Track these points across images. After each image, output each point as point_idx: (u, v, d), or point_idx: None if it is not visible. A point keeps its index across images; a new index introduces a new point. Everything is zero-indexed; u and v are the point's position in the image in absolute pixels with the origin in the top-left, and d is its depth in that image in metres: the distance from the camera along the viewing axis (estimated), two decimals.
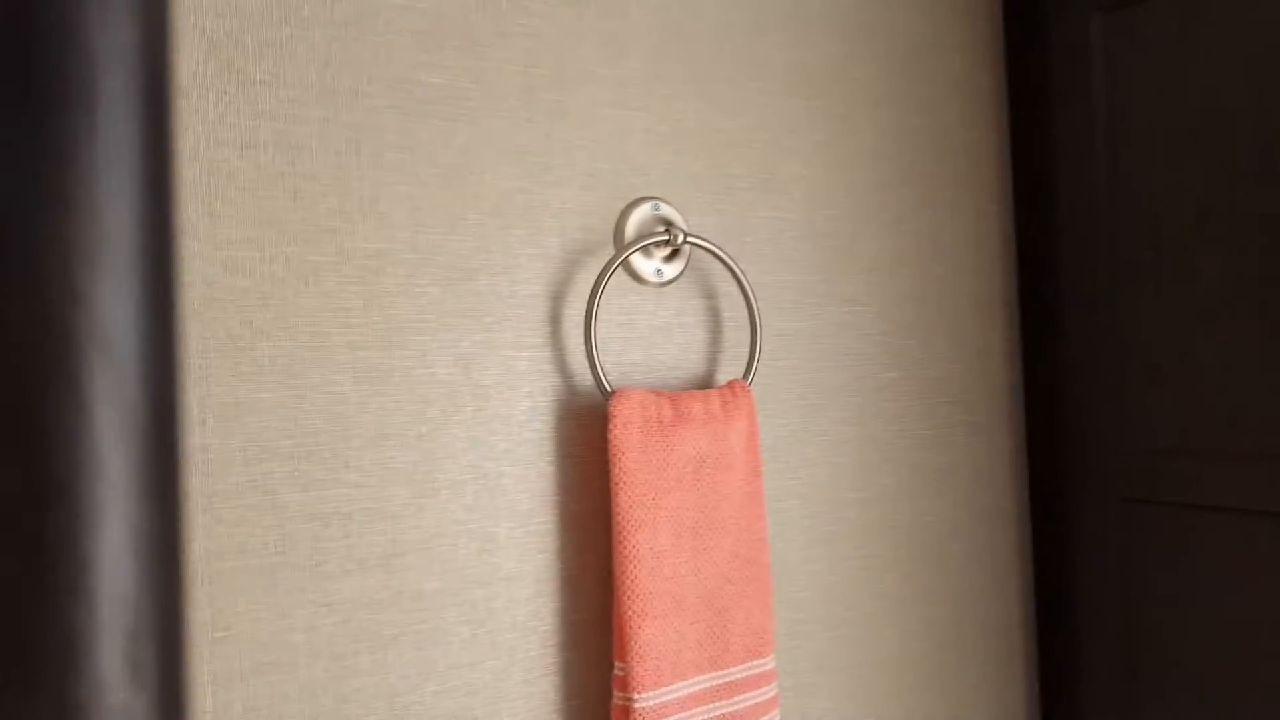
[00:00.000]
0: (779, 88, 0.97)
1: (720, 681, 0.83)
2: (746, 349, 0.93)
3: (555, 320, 0.82)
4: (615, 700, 0.79)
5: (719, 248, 0.87)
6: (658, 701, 0.78)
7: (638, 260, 0.87)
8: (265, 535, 0.69)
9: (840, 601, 0.98)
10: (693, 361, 0.90)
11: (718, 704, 0.82)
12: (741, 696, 0.84)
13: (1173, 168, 1.02)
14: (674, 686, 0.80)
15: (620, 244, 0.86)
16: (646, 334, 0.87)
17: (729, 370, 0.92)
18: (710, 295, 0.91)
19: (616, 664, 0.79)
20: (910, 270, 1.05)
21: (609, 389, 0.81)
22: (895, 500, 1.03)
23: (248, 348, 0.69)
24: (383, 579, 0.73)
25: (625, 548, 0.78)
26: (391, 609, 0.73)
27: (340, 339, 0.73)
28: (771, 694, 0.86)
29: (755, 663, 0.85)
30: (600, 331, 0.85)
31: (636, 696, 0.77)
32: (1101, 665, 1.09)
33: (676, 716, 0.80)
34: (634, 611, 0.78)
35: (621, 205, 0.87)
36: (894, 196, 1.04)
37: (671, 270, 0.89)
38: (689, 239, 0.86)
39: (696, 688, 0.81)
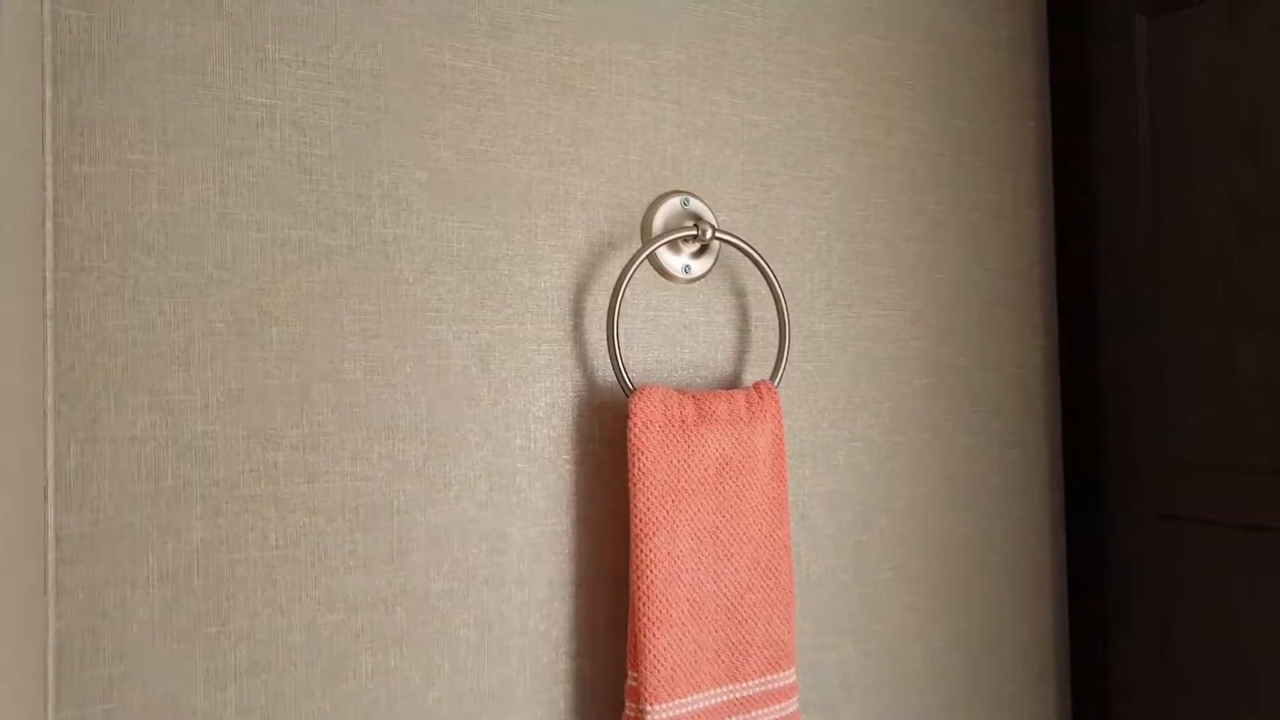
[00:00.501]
0: (817, 84, 0.89)
1: (738, 695, 0.76)
2: (774, 350, 0.86)
3: (577, 314, 0.76)
4: (627, 712, 0.72)
5: (748, 244, 0.80)
6: (672, 714, 0.71)
7: (665, 255, 0.80)
8: (266, 528, 0.63)
9: (868, 614, 0.90)
10: (719, 361, 0.83)
11: (735, 718, 0.75)
12: (760, 711, 0.77)
13: (1218, 175, 0.94)
14: (689, 699, 0.72)
15: (647, 238, 0.79)
16: (672, 331, 0.80)
17: (756, 371, 0.85)
18: (739, 293, 0.84)
19: (630, 673, 0.72)
20: (946, 275, 0.97)
21: (631, 386, 0.74)
22: (926, 511, 0.95)
23: (255, 332, 0.63)
24: (387, 577, 0.66)
25: (643, 551, 0.71)
26: (396, 609, 0.67)
27: (352, 326, 0.67)
28: (792, 709, 0.78)
29: (775, 676, 0.78)
30: (624, 327, 0.78)
31: (649, 708, 0.70)
32: (1135, 686, 1.00)
33: None
34: (649, 619, 0.71)
35: (650, 198, 0.80)
36: (932, 199, 0.96)
37: (700, 266, 0.82)
38: (718, 235, 0.79)
39: (712, 701, 0.74)
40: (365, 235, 0.67)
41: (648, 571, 0.71)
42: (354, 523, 0.65)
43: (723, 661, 0.74)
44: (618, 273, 0.77)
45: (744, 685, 0.75)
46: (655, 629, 0.71)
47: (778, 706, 0.77)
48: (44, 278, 0.57)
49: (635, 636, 0.71)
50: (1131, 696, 1.00)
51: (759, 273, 0.85)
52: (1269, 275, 0.90)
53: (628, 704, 0.72)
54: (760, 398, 0.78)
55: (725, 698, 0.75)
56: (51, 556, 0.57)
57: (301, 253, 0.65)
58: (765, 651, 0.77)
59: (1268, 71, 0.90)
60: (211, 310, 0.62)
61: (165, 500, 0.60)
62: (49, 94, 0.59)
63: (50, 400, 0.57)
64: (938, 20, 0.98)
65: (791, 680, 0.78)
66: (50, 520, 0.57)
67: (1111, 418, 1.02)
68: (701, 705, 0.73)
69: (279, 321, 0.64)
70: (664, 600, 0.71)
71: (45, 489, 0.57)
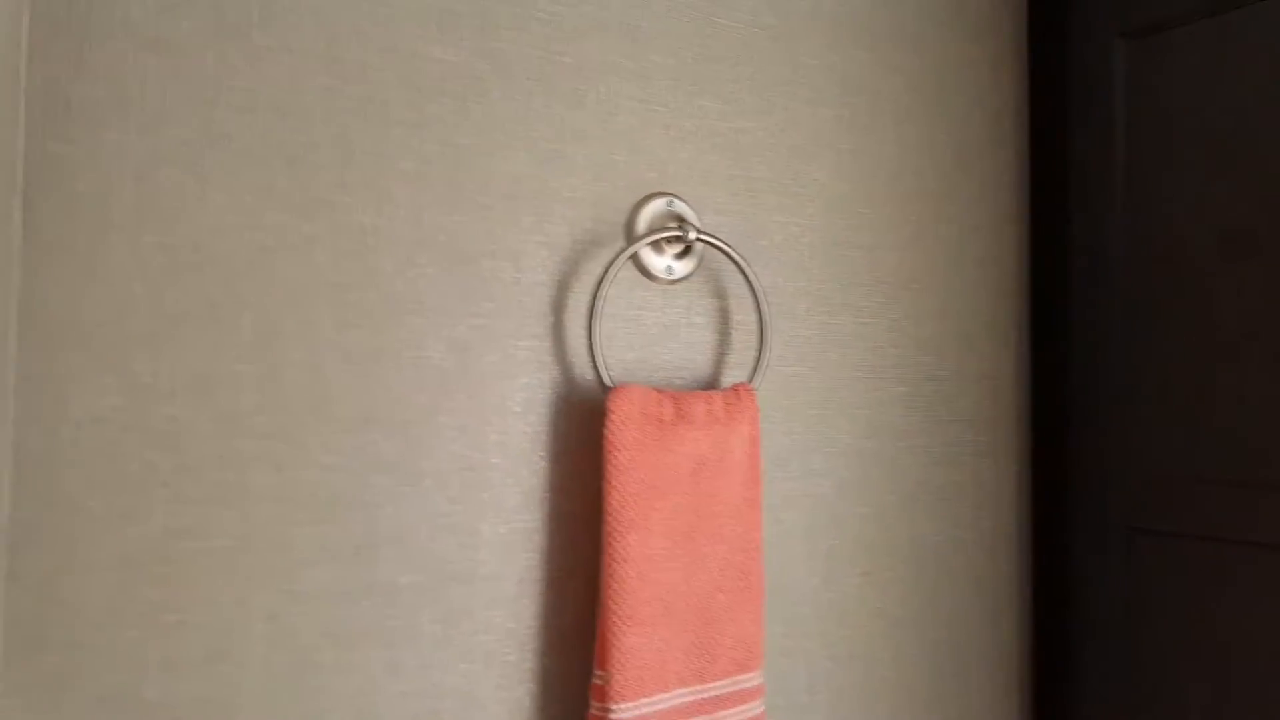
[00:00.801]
0: (805, 93, 0.87)
1: (705, 695, 0.73)
2: (754, 353, 0.83)
3: (558, 311, 0.73)
4: (592, 710, 0.69)
5: (730, 246, 0.78)
6: (637, 713, 0.69)
7: (649, 256, 0.78)
8: (231, 516, 0.60)
9: (836, 619, 0.88)
10: (699, 363, 0.80)
11: (700, 718, 0.73)
12: (726, 712, 0.74)
13: (1192, 195, 0.92)
14: (655, 698, 0.70)
15: (631, 237, 0.77)
16: (653, 332, 0.78)
17: (735, 375, 0.82)
18: (721, 296, 0.82)
19: (596, 672, 0.69)
20: (926, 286, 0.95)
21: (610, 384, 0.71)
22: (898, 518, 0.92)
23: (228, 318, 0.61)
24: (354, 571, 0.64)
25: (616, 549, 0.69)
26: (361, 603, 0.64)
27: (328, 315, 0.64)
28: (758, 710, 0.76)
29: (742, 677, 0.75)
30: (605, 326, 0.75)
31: (615, 707, 0.68)
32: (1100, 699, 0.98)
33: None
34: (620, 616, 0.68)
35: (635, 199, 0.77)
36: (914, 211, 0.94)
37: (683, 268, 0.79)
38: (701, 236, 0.76)
39: (679, 700, 0.72)
40: (345, 224, 0.65)
41: (620, 569, 0.69)
42: (322, 514, 0.63)
43: (691, 661, 0.72)
44: (600, 271, 0.75)
45: (711, 686, 0.73)
46: (625, 627, 0.68)
47: (744, 708, 0.75)
48: (11, 256, 0.55)
49: (604, 634, 0.69)
50: (1096, 710, 0.98)
51: (740, 276, 0.82)
52: (1241, 293, 0.88)
53: (593, 703, 0.69)
54: (738, 399, 0.76)
55: (692, 698, 0.72)
56: (3, 541, 0.54)
57: (279, 239, 0.62)
58: (733, 652, 0.74)
59: (1246, 94, 0.88)
60: (184, 294, 0.59)
61: (128, 485, 0.57)
62: (24, 71, 0.56)
63: (13, 380, 0.55)
64: (924, 36, 0.96)
65: (758, 682, 0.76)
66: (5, 502, 0.54)
67: (1082, 430, 1.01)
68: (668, 705, 0.70)
69: (252, 308, 0.61)
70: (635, 598, 0.69)
71: (2, 471, 0.54)
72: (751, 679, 0.75)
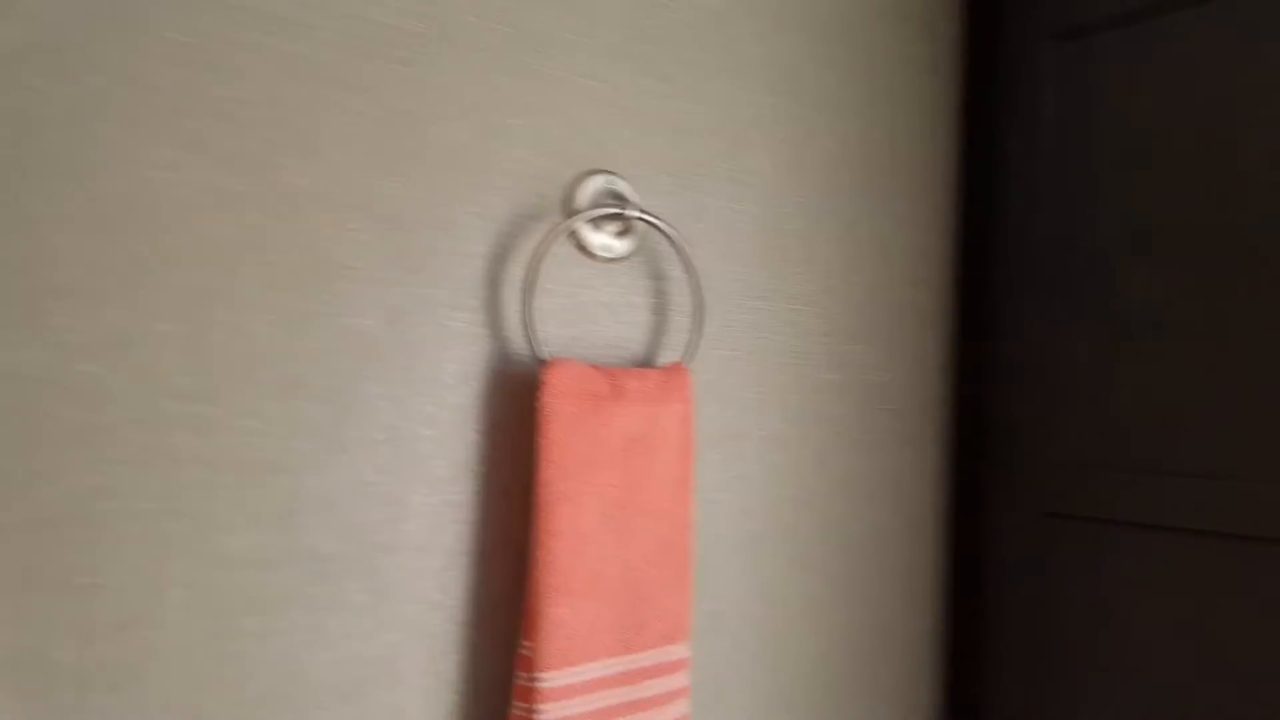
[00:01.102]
0: (748, 80, 0.87)
1: (631, 666, 0.73)
2: (689, 333, 0.83)
3: (495, 284, 0.72)
4: (518, 681, 0.69)
5: (669, 226, 0.78)
6: (564, 683, 0.68)
7: (588, 233, 0.77)
8: (150, 478, 0.58)
9: (762, 598, 0.88)
10: (635, 342, 0.80)
11: (625, 688, 0.73)
12: (651, 682, 0.74)
13: (1109, 193, 0.95)
14: (582, 668, 0.70)
15: (570, 213, 0.76)
16: (590, 309, 0.77)
17: (671, 355, 0.82)
18: (658, 277, 0.81)
19: (524, 643, 0.69)
20: (858, 276, 0.96)
21: (544, 358, 0.71)
22: (825, 503, 0.93)
23: (153, 274, 0.58)
24: (276, 537, 0.62)
25: (548, 521, 0.68)
26: (284, 570, 0.62)
27: (256, 276, 0.62)
28: (682, 682, 0.76)
29: (669, 649, 0.76)
30: (543, 302, 0.75)
31: (541, 676, 0.67)
32: (1011, 679, 1.01)
33: (581, 699, 0.70)
34: (549, 588, 0.68)
35: (576, 175, 0.76)
36: (848, 203, 0.95)
37: (621, 247, 0.79)
38: (639, 215, 0.76)
39: (606, 671, 0.71)
40: (278, 185, 0.63)
41: (551, 541, 0.68)
42: (245, 479, 0.61)
43: (619, 633, 0.72)
44: (537, 245, 0.74)
45: (638, 657, 0.73)
46: (554, 599, 0.68)
47: (669, 679, 0.75)
48: None
49: (533, 606, 0.68)
50: (1007, 691, 1.01)
51: (678, 257, 0.82)
52: (1151, 287, 0.91)
53: (519, 673, 0.69)
54: (673, 378, 0.76)
55: (619, 668, 0.72)
56: None
57: (208, 197, 0.60)
58: (661, 625, 0.74)
59: (1164, 97, 0.91)
60: (107, 248, 0.57)
61: (44, 444, 0.55)
62: None
63: None
64: (863, 31, 0.97)
65: (685, 655, 0.76)
66: None
67: (1002, 419, 1.03)
68: (594, 675, 0.70)
69: (179, 265, 0.59)
70: (565, 571, 0.68)
71: None
72: (677, 651, 0.76)
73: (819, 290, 0.93)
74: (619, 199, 0.77)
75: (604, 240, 0.78)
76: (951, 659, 1.07)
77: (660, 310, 0.81)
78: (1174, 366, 0.89)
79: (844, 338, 0.95)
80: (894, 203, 0.99)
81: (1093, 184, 0.97)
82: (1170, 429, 0.89)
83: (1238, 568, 0.84)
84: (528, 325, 0.70)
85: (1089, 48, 0.97)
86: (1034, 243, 1.01)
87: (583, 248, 0.77)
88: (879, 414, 0.98)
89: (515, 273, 0.73)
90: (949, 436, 1.06)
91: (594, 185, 0.77)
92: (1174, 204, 0.90)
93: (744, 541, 0.87)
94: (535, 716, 0.67)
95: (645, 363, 0.81)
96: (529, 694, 0.68)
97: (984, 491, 1.05)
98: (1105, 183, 0.96)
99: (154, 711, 0.58)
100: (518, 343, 0.73)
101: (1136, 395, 0.92)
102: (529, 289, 0.70)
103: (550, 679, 0.67)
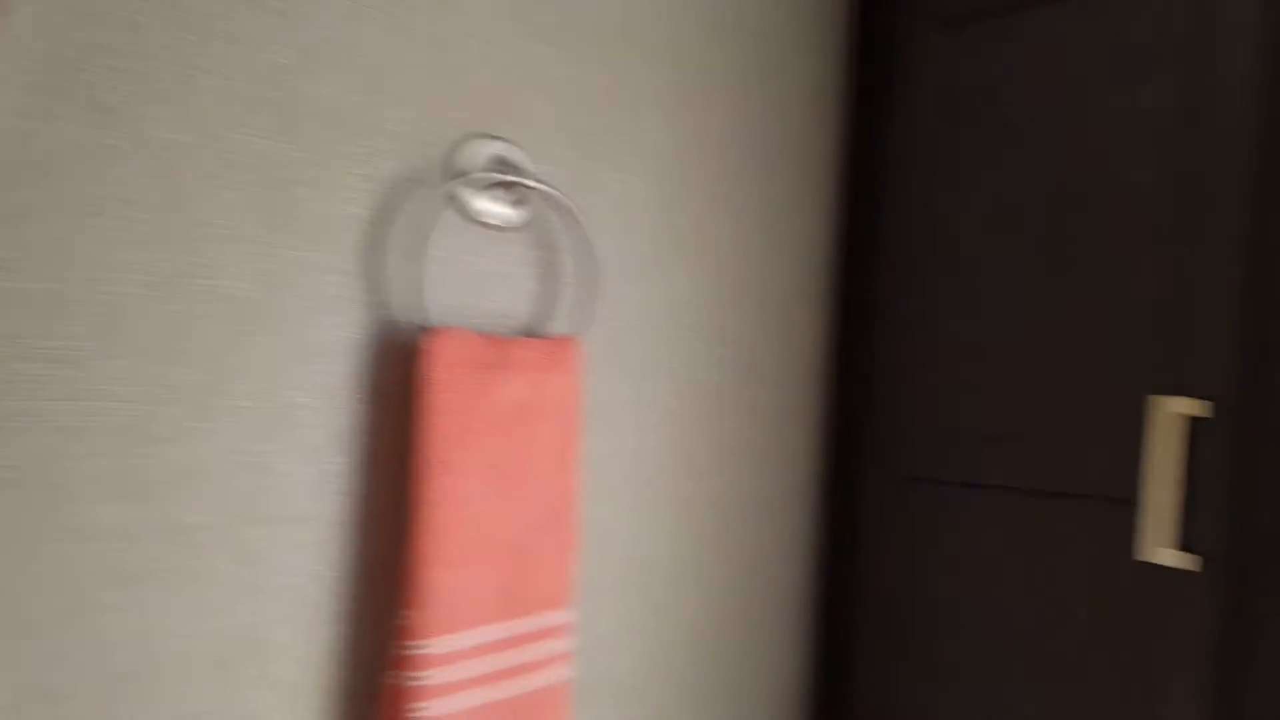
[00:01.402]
0: (644, 55, 0.87)
1: (513, 632, 0.74)
2: (579, 305, 0.83)
3: (377, 248, 0.70)
4: (400, 649, 0.68)
5: (562, 196, 0.77)
6: (444, 650, 0.68)
7: (477, 200, 0.75)
8: (9, 445, 0.54)
9: (645, 565, 0.90)
10: (523, 312, 0.79)
11: (507, 653, 0.73)
12: (533, 646, 0.75)
13: (979, 178, 0.99)
14: (462, 634, 0.69)
15: (459, 179, 0.74)
16: (478, 277, 0.76)
17: (560, 327, 0.82)
18: (549, 248, 0.81)
19: (404, 612, 0.68)
20: (746, 255, 0.98)
21: (427, 325, 0.69)
22: (708, 473, 0.95)
23: (11, 229, 0.54)
24: (141, 507, 0.59)
25: (429, 490, 0.68)
26: (150, 541, 0.60)
27: (125, 235, 0.58)
28: (565, 647, 0.77)
29: (551, 614, 0.76)
30: (429, 269, 0.73)
31: (420, 644, 0.67)
32: (879, 637, 1.05)
33: (461, 664, 0.70)
34: (429, 556, 0.67)
35: (465, 139, 0.75)
36: (739, 184, 0.97)
37: (513, 216, 0.78)
38: (534, 184, 0.75)
39: (486, 637, 0.72)
40: (145, 138, 0.59)
41: (431, 510, 0.67)
42: (111, 446, 0.58)
43: (501, 599, 0.72)
44: (422, 210, 0.72)
45: (520, 622, 0.73)
46: (435, 566, 0.67)
47: (551, 643, 0.76)
48: None
49: (413, 573, 0.67)
50: (875, 649, 1.05)
51: (570, 229, 0.81)
52: (1010, 266, 0.96)
53: (398, 642, 0.68)
54: (561, 349, 0.76)
55: (500, 634, 0.72)
56: None
57: (72, 149, 0.56)
58: (544, 591, 0.75)
59: (1032, 85, 0.95)
60: None
61: None
62: None
63: None
64: (759, 18, 0.97)
65: (567, 620, 0.77)
66: None
67: (874, 392, 1.07)
68: (475, 642, 0.70)
69: (41, 220, 0.55)
70: (446, 538, 0.68)
71: None
72: (560, 616, 0.76)
73: (710, 268, 0.94)
74: (511, 167, 0.76)
75: (494, 208, 0.76)
76: (826, 618, 1.11)
77: (550, 281, 0.81)
78: (1027, 339, 0.94)
79: (732, 314, 0.97)
80: (782, 184, 1.01)
81: (966, 171, 1.00)
82: (1022, 396, 0.94)
83: (1075, 525, 0.89)
84: (410, 291, 0.69)
85: (968, 37, 1.01)
86: (909, 224, 1.04)
87: (471, 214, 0.76)
88: (760, 388, 1.01)
89: (399, 237, 0.71)
90: (826, 408, 1.09)
91: (485, 151, 0.76)
92: (1034, 186, 0.95)
93: (629, 510, 0.88)
94: (413, 684, 0.67)
95: (533, 333, 0.80)
96: (407, 661, 0.67)
97: (858, 462, 1.09)
98: (974, 167, 0.99)
99: (8, 692, 0.55)
100: (401, 309, 0.72)
101: (988, 367, 0.97)
102: (413, 255, 0.68)
103: (429, 646, 0.67)
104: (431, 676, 0.67)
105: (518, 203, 0.78)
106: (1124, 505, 0.86)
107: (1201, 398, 0.81)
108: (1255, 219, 0.80)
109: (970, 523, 0.98)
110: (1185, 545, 0.81)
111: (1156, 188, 0.86)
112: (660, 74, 0.89)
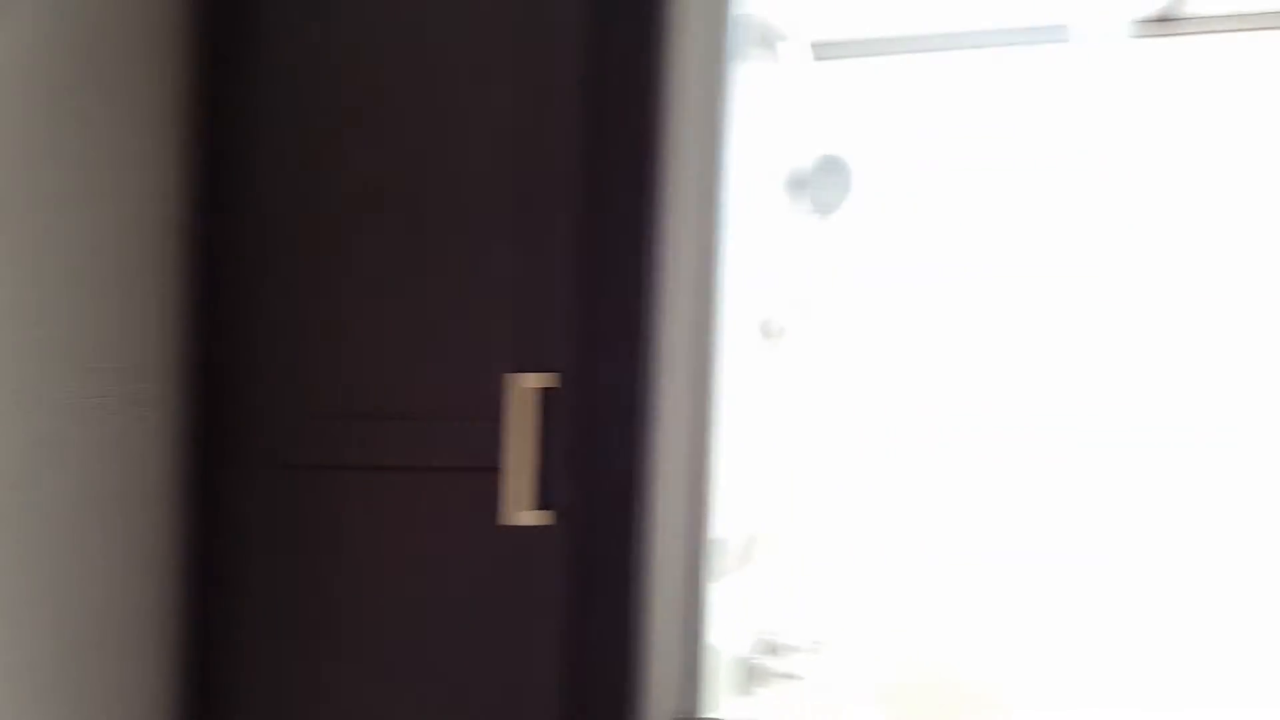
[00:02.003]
0: None
1: None
2: None
3: None
4: None
5: None
6: None
7: None
8: None
9: None
10: None
11: None
12: None
13: (342, 153, 0.95)
14: None
15: None
16: None
17: None
18: None
19: None
20: (84, 227, 0.81)
21: None
22: (26, 478, 0.77)
23: None
24: None
25: None
26: None
27: None
28: None
29: None
30: None
31: None
32: (265, 628, 0.97)
33: None
34: None
35: None
36: (64, 129, 0.79)
37: None
38: None
39: None
40: None
41: None
42: None
43: None
44: None
45: None
46: None
47: None
48: None
49: None
50: (262, 640, 0.97)
51: None
52: (370, 245, 0.94)
53: None
54: None
55: None
56: None
57: None
58: None
59: (390, 67, 0.93)
60: None
61: None
62: None
63: None
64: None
65: None
66: None
67: (238, 380, 0.98)
68: None
69: None
70: None
71: None
72: None
73: (41, 236, 0.75)
74: None
75: None
76: (203, 616, 0.99)
77: None
78: (391, 318, 0.94)
79: (66, 288, 0.79)
80: (124, 173, 0.86)
81: (325, 146, 0.96)
82: (383, 377, 0.94)
83: (444, 498, 0.92)
84: None
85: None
86: (275, 202, 0.96)
87: None
88: (98, 375, 0.85)
89: None
90: (188, 402, 0.97)
91: None
92: (397, 169, 0.94)
93: None
94: None
95: None
96: None
97: (227, 454, 0.98)
98: (337, 145, 0.95)
99: None
100: None
101: (351, 348, 0.95)
102: None
103: None
104: None
105: None
106: (488, 474, 0.90)
107: (550, 370, 0.88)
108: (585, 218, 0.89)
109: (344, 504, 0.96)
110: (543, 505, 0.88)
111: (508, 181, 0.91)
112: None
